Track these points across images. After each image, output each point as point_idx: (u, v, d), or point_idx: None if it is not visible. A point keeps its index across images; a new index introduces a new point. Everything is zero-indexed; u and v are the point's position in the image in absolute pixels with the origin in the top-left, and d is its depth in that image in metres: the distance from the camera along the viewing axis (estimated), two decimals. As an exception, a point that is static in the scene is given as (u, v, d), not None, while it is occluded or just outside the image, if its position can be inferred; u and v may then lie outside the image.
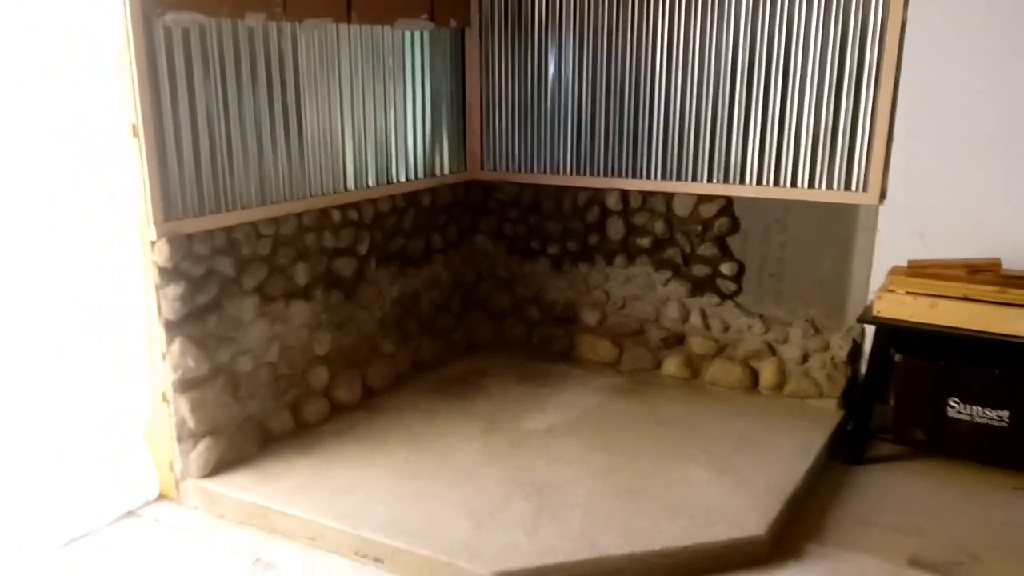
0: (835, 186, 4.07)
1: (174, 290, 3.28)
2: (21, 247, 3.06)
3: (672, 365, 4.56)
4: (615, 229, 4.64)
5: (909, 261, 3.77)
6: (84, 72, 3.11)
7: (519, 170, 4.87)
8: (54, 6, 2.99)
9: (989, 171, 3.75)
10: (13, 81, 2.95)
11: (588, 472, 3.48)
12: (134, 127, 3.12)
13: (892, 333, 3.69)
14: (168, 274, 3.27)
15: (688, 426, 3.93)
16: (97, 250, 3.26)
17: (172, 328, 3.32)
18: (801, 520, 3.30)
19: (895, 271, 3.75)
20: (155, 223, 3.20)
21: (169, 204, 3.25)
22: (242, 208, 3.56)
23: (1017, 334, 3.37)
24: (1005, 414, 3.47)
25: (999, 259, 3.63)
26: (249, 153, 3.57)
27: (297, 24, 3.70)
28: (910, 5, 3.76)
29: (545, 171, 4.78)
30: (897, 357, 3.68)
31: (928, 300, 3.54)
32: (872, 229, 4.03)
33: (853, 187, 4.03)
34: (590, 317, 4.80)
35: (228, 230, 3.50)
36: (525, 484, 3.38)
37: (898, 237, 3.96)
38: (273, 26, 3.60)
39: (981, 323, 3.43)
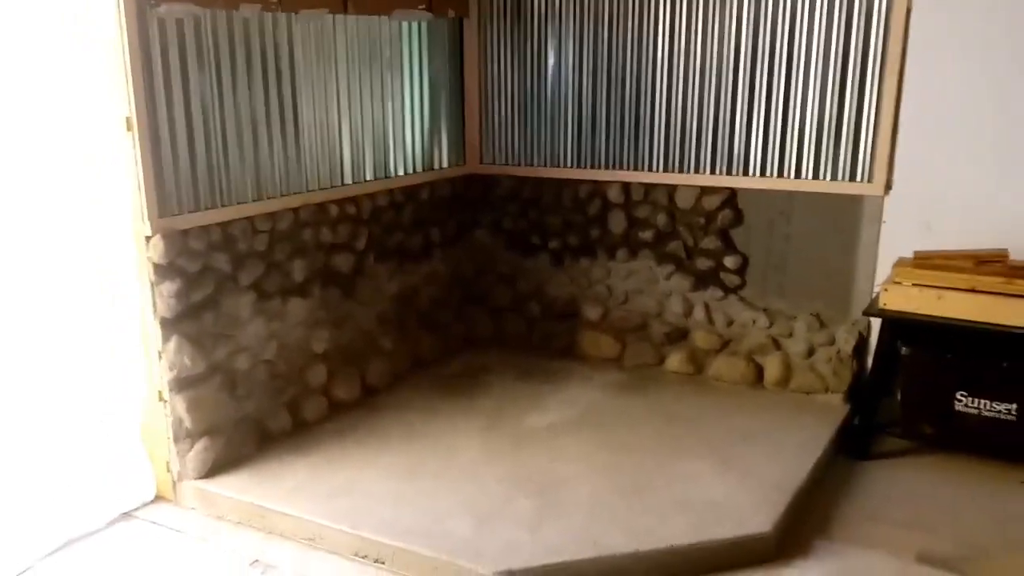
0: (840, 177, 4.02)
1: (169, 287, 3.23)
2: (12, 245, 3.00)
3: (676, 360, 4.51)
4: (617, 222, 4.59)
5: (915, 252, 3.72)
6: (77, 65, 3.05)
7: (519, 163, 4.81)
8: (44, -2, 2.94)
9: (996, 160, 3.70)
10: (4, 74, 2.89)
11: (591, 469, 3.43)
12: (128, 120, 3.06)
13: (898, 326, 3.64)
14: (163, 271, 3.21)
15: (692, 422, 3.89)
16: (90, 247, 3.20)
17: (168, 326, 3.26)
18: (808, 516, 3.25)
19: (901, 263, 3.70)
20: (150, 218, 3.15)
21: (164, 199, 3.20)
22: (238, 203, 3.50)
23: (1025, 326, 3.33)
24: (1013, 407, 3.41)
25: (1007, 250, 3.57)
26: (244, 147, 3.52)
27: (293, 15, 3.64)
28: (915, -9, 3.72)
29: (545, 164, 4.72)
30: (904, 350, 3.63)
31: (934, 292, 3.49)
32: (877, 220, 3.98)
33: (858, 178, 3.98)
34: (592, 312, 4.75)
35: (224, 226, 3.44)
36: (527, 482, 3.33)
37: (904, 228, 3.90)
38: (268, 17, 3.54)
39: (988, 315, 3.38)
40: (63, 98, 3.05)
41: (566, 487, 3.29)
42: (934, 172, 3.82)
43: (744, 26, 4.07)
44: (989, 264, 3.51)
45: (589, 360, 4.70)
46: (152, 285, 3.22)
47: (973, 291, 3.41)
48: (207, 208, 3.37)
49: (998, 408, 3.45)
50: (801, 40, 3.97)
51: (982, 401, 3.48)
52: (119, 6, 2.95)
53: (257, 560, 3.04)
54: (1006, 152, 3.67)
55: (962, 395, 3.51)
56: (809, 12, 3.92)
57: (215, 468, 3.42)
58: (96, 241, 3.21)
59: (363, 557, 3.00)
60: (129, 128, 3.07)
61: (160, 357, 3.28)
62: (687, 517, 3.06)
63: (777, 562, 2.97)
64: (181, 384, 3.33)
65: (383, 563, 2.96)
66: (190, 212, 3.30)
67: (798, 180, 4.10)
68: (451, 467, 3.46)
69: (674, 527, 3.00)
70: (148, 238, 3.17)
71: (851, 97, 3.92)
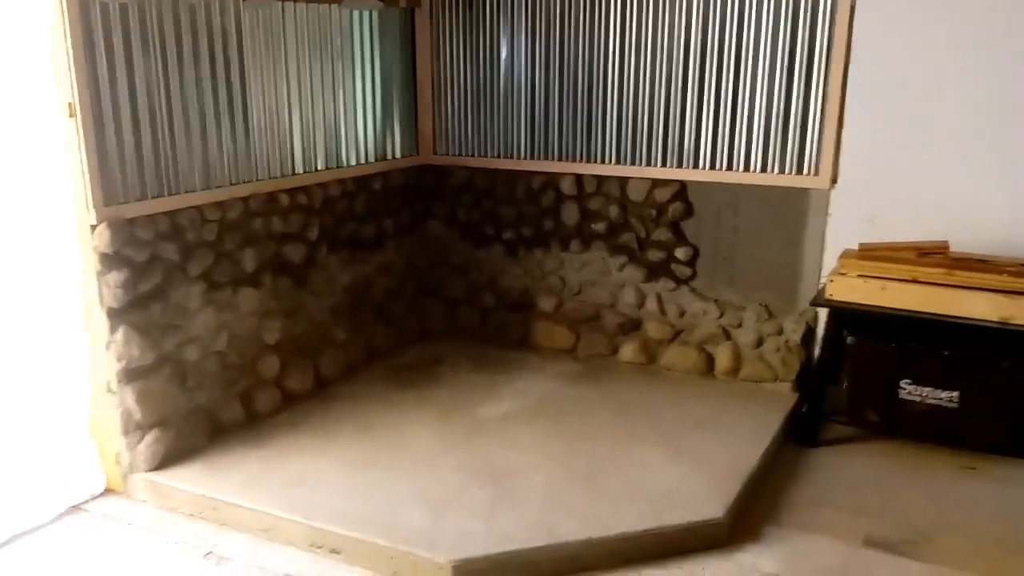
0: (787, 170, 4.09)
1: (116, 277, 3.16)
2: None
3: (629, 351, 4.55)
4: (570, 214, 4.61)
5: (860, 244, 3.80)
6: (17, 49, 2.95)
7: (472, 154, 4.80)
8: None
9: (938, 154, 3.79)
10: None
11: (545, 458, 3.45)
12: (71, 106, 2.99)
13: (844, 316, 3.72)
14: (110, 260, 3.14)
15: (645, 411, 3.93)
16: (34, 236, 3.11)
17: (115, 316, 3.19)
18: (758, 503, 3.31)
19: (846, 254, 3.78)
20: (95, 207, 3.07)
21: (109, 187, 3.13)
22: (186, 192, 3.44)
23: (965, 315, 3.42)
24: (955, 395, 3.51)
25: (947, 241, 3.67)
26: (192, 134, 3.45)
27: (241, 2, 3.58)
28: (861, -12, 3.80)
29: (499, 155, 4.72)
30: (849, 340, 3.71)
31: (879, 283, 3.57)
32: (824, 212, 4.06)
33: (805, 171, 4.06)
34: (546, 303, 4.76)
35: (172, 214, 3.38)
36: (482, 471, 3.33)
37: (849, 220, 3.99)
38: (216, 3, 3.47)
39: (930, 305, 3.47)
40: (2, 83, 2.95)
41: (520, 476, 3.30)
42: (878, 165, 3.91)
43: (694, 18, 4.11)
44: (931, 256, 3.60)
45: (543, 351, 4.72)
46: (98, 275, 3.15)
47: (915, 282, 3.49)
48: (154, 196, 3.31)
49: (940, 396, 3.54)
50: (749, 32, 4.02)
51: (925, 389, 3.57)
52: (61, -11, 2.88)
53: (211, 552, 2.99)
54: (948, 146, 3.77)
55: (906, 383, 3.60)
56: (757, 4, 3.98)
57: (166, 460, 3.36)
58: (40, 230, 3.12)
59: (318, 548, 2.97)
60: (72, 114, 3.00)
61: (108, 348, 3.21)
62: (640, 504, 3.09)
63: (728, 547, 3.02)
64: (130, 375, 3.26)
65: (338, 553, 2.94)
66: (136, 200, 3.23)
67: (747, 173, 4.17)
68: (405, 457, 3.45)
69: (627, 514, 3.03)
70: (93, 227, 3.09)
71: (798, 91, 3.99)
